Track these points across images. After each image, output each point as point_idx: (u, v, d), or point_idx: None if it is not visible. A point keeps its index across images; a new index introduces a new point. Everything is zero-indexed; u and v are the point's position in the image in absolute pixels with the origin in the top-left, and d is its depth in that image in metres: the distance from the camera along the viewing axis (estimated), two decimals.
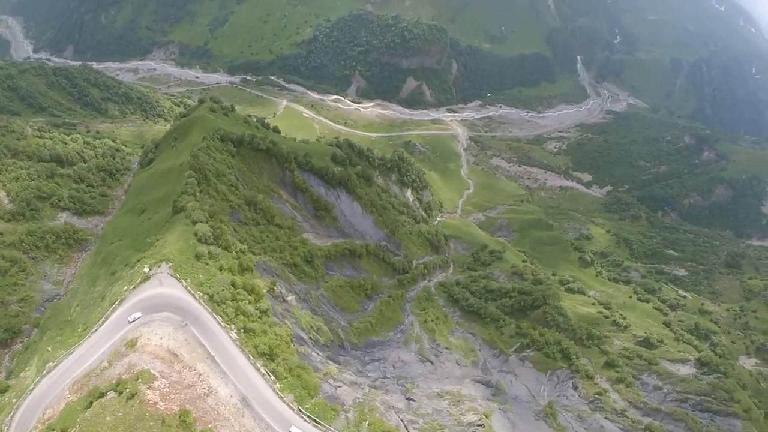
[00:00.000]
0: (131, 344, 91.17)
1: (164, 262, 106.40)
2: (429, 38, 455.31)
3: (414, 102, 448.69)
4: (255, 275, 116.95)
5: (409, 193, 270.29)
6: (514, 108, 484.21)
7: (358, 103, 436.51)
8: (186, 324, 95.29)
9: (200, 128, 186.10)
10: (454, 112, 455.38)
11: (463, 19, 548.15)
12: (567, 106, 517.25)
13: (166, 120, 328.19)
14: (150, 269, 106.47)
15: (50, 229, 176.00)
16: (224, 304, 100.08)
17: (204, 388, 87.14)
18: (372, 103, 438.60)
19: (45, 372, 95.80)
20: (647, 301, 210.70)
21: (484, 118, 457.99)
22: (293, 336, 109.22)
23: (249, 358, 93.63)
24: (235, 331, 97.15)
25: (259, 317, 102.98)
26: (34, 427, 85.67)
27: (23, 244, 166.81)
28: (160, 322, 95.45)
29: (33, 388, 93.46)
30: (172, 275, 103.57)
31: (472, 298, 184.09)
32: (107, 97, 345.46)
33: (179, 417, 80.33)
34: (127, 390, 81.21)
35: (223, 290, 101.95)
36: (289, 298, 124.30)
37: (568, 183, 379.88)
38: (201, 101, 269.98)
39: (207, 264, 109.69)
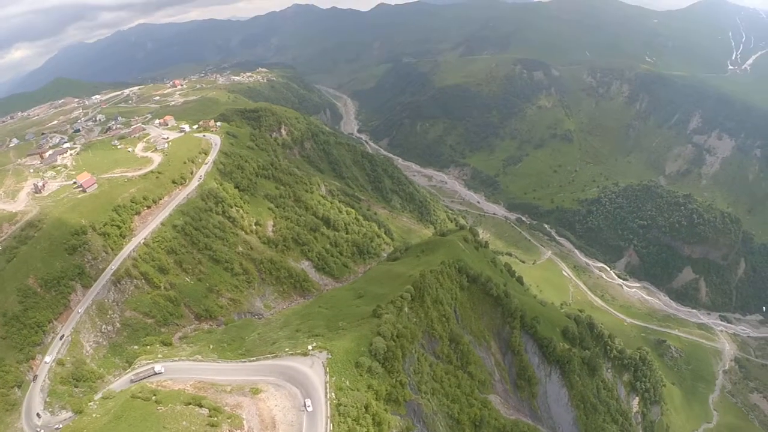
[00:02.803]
0: (254, 391, 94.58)
1: (326, 351, 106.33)
2: (720, 227, 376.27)
3: (685, 296, 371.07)
4: (399, 410, 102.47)
5: (635, 402, 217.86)
6: None
7: (624, 279, 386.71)
8: (303, 410, 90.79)
9: (444, 252, 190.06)
10: (728, 321, 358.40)
11: (764, 212, 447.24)
12: None
13: (435, 228, 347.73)
14: (312, 349, 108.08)
15: (288, 267, 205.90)
16: (345, 417, 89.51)
17: None
18: (638, 284, 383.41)
19: (192, 358, 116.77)
20: None
21: (760, 339, 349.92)
22: None
23: None
24: None
25: None
26: (148, 380, 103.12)
27: (261, 264, 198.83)
28: (287, 395, 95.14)
29: (176, 360, 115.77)
30: (323, 365, 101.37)
31: None
32: (395, 190, 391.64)
33: None
34: (216, 419, 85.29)
35: (353, 407, 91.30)
36: None
37: None
38: (460, 227, 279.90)
39: (361, 375, 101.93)
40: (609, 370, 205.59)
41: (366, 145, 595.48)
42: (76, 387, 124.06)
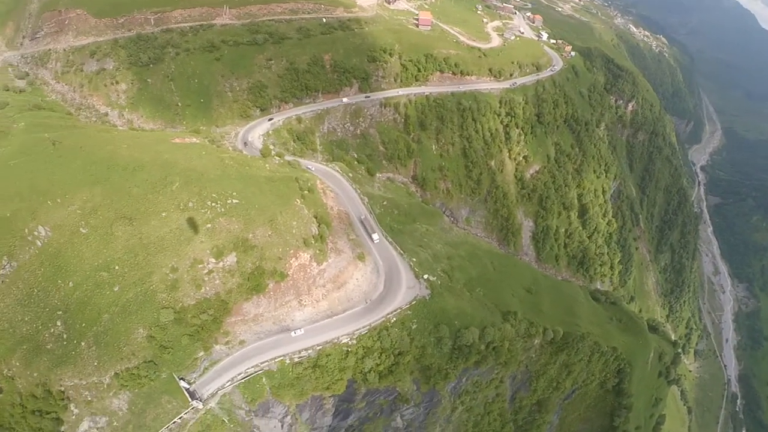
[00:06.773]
0: (360, 257, 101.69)
1: (430, 292, 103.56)
2: None
3: None
4: (422, 387, 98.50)
5: None
6: None
7: None
8: (365, 303, 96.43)
9: (625, 344, 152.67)
10: None
11: None
12: None
13: (667, 318, 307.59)
14: (425, 279, 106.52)
15: (512, 213, 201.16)
16: (380, 338, 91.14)
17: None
18: None
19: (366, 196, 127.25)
20: None
21: None
22: None
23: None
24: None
25: None
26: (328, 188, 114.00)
27: (495, 189, 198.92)
28: (372, 284, 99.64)
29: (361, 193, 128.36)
30: (414, 296, 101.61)
31: None
32: (674, 248, 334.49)
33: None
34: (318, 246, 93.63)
35: (393, 341, 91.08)
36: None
37: None
38: (676, 342, 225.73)
39: (428, 334, 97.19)
40: None
41: (696, 185, 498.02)
42: (294, 141, 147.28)
